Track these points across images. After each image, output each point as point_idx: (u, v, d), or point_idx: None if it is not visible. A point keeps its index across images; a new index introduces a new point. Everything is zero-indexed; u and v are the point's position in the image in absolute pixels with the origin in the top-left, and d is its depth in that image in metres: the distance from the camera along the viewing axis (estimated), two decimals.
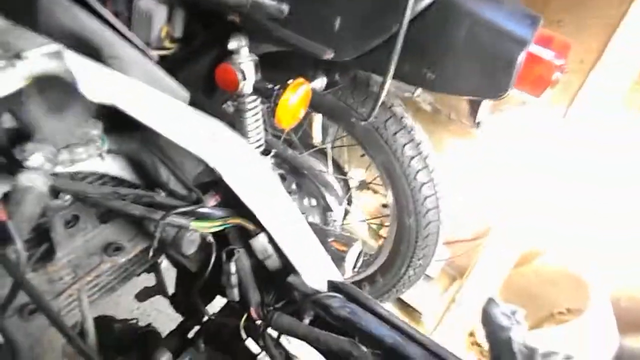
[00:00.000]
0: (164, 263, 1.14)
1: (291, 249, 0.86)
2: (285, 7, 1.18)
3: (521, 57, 1.09)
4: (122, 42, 0.90)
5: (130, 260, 0.95)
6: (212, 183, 0.90)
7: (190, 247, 0.86)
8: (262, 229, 0.86)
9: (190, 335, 1.06)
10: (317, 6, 1.17)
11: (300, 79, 1.22)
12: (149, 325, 1.05)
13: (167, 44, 1.41)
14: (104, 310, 1.62)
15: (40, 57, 0.64)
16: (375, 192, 2.33)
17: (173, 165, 0.88)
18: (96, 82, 0.72)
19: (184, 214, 0.85)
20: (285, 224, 0.88)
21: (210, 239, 0.89)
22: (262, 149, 1.51)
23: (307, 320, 0.85)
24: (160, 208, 0.85)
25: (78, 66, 0.70)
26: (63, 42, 0.68)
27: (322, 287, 0.85)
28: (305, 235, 0.91)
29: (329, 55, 1.20)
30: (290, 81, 1.20)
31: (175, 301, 1.10)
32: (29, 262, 0.83)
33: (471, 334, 2.28)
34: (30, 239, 0.85)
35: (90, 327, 0.86)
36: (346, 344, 0.77)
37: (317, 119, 2.03)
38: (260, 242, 0.86)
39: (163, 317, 1.68)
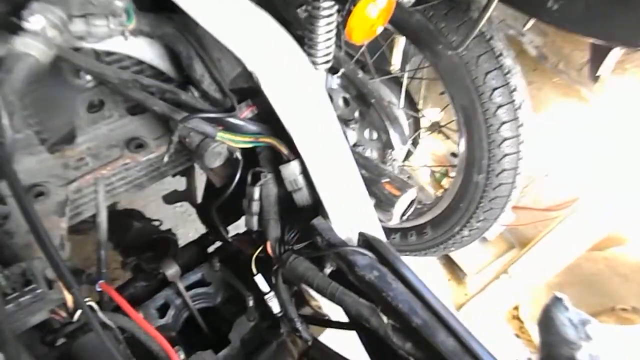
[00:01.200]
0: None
1: (326, 186, 0.72)
2: None
3: None
4: None
5: (158, 159, 0.87)
6: (251, 91, 0.76)
7: (213, 159, 0.75)
8: (297, 156, 0.72)
9: (210, 250, 1.00)
10: None
11: None
12: (169, 230, 0.99)
13: None
14: (146, 200, 1.62)
15: None
16: (446, 137, 2.09)
17: (209, 61, 0.75)
18: None
19: (211, 120, 0.73)
20: (325, 156, 0.74)
21: (238, 155, 0.78)
22: (328, 65, 1.33)
23: (328, 271, 0.73)
24: (186, 109, 0.74)
25: None
26: None
27: (352, 238, 0.72)
28: (348, 174, 0.76)
29: None
30: None
31: (201, 212, 1.02)
32: (46, 143, 0.77)
33: (515, 307, 2.12)
34: None
35: (103, 220, 0.80)
36: (365, 309, 0.65)
37: (400, 42, 1.78)
38: (291, 170, 0.73)
39: None
